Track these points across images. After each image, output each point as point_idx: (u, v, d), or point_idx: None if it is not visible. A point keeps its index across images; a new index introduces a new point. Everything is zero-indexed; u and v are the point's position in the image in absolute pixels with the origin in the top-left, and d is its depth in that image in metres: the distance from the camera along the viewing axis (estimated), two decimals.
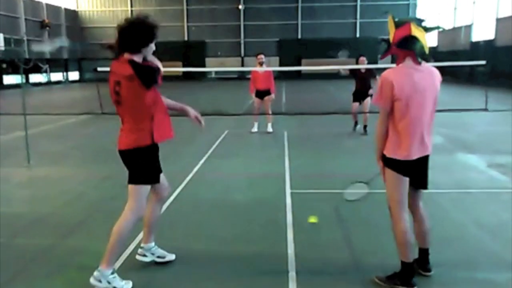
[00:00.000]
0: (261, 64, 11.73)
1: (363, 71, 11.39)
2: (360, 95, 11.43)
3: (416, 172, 3.58)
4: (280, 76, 43.13)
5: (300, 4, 47.74)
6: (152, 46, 3.64)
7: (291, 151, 9.28)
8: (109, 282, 3.54)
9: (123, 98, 3.52)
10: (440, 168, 7.59)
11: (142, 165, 3.65)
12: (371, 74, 11.46)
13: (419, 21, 3.46)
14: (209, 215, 5.44)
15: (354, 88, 11.64)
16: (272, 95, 11.73)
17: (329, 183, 6.90)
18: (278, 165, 8.02)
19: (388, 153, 3.54)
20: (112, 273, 3.58)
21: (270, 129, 11.64)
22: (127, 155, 3.65)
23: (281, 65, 44.06)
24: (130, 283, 3.65)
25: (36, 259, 4.28)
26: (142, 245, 4.15)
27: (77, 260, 4.23)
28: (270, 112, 11.84)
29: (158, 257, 4.10)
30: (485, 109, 9.66)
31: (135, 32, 3.49)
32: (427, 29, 3.46)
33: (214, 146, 9.80)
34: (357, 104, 11.52)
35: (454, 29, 38.48)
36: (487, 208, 5.58)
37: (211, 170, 7.72)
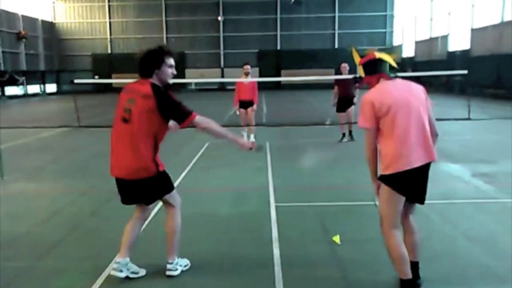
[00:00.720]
0: (246, 74, 11.61)
1: (345, 78, 11.48)
2: (345, 103, 11.43)
3: (415, 184, 3.49)
4: (259, 87, 43.08)
5: (279, 16, 48.02)
6: (166, 70, 3.91)
7: (274, 162, 9.16)
8: (180, 265, 4.13)
9: (135, 115, 3.68)
10: None
11: (160, 184, 3.91)
12: (353, 81, 11.43)
13: (380, 50, 3.75)
14: (190, 231, 5.20)
15: (336, 98, 11.66)
16: (254, 106, 11.70)
17: (313, 195, 6.80)
18: (261, 177, 7.88)
19: (387, 171, 3.45)
20: (177, 257, 4.11)
21: (252, 140, 11.51)
22: (150, 181, 3.81)
23: (260, 75, 44.07)
24: (187, 260, 4.24)
25: (11, 283, 4.03)
26: (118, 260, 3.98)
27: (54, 283, 4.01)
28: (254, 123, 11.77)
29: (132, 272, 4.03)
30: (468, 118, 9.70)
31: (146, 57, 3.88)
32: (389, 54, 3.66)
33: (195, 159, 9.62)
34: (343, 114, 11.49)
35: (430, 39, 39.11)
36: (475, 219, 5.52)
37: (192, 184, 7.53)
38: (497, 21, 28.82)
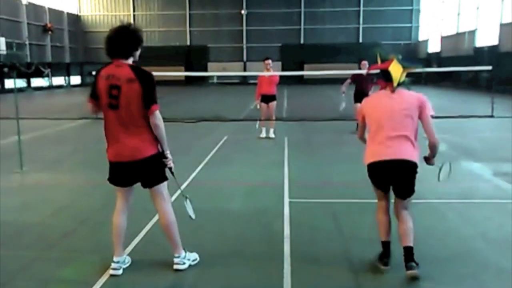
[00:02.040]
0: (268, 69, 11.62)
1: (364, 74, 11.48)
2: (361, 95, 11.23)
3: (384, 176, 4.02)
4: (282, 81, 42.88)
5: (303, 9, 47.63)
6: (139, 51, 3.87)
7: (291, 157, 9.05)
8: (188, 259, 4.09)
9: (123, 100, 3.63)
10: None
11: (161, 165, 3.89)
12: (371, 77, 11.44)
13: (405, 60, 4.09)
14: (202, 227, 5.15)
15: (345, 87, 12.25)
16: (275, 103, 11.71)
17: (328, 191, 6.69)
18: (277, 172, 7.79)
19: (365, 163, 4.11)
20: (185, 251, 4.09)
21: (272, 135, 11.54)
22: (144, 163, 3.78)
23: (283, 70, 43.78)
24: (196, 255, 4.21)
25: (17, 273, 4.04)
26: (116, 259, 3.95)
27: (60, 274, 4.00)
28: (274, 118, 11.74)
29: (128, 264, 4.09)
30: (491, 116, 9.41)
31: (126, 37, 3.75)
32: (405, 66, 4.04)
33: (212, 153, 9.57)
34: (358, 104, 11.26)
35: (457, 34, 38.28)
36: (493, 220, 5.32)
37: (207, 178, 7.48)
38: None
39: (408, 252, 3.87)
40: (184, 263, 4.05)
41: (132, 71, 3.68)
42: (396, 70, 4.00)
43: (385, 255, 4.03)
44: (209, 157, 9.19)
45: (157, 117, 3.73)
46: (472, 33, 35.55)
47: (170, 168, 3.95)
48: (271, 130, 11.60)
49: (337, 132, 12.04)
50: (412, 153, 3.92)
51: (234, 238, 4.85)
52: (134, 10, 49.36)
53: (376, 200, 4.23)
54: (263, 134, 11.55)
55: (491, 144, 10.26)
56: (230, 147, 10.37)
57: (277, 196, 6.30)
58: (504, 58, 28.16)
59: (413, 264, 3.81)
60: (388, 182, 4.06)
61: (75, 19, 48.84)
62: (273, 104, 11.59)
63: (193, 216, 4.26)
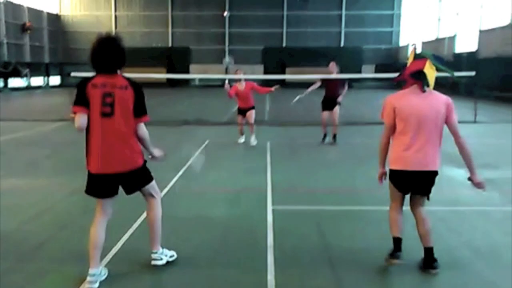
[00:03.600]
0: (241, 82, 10.79)
1: (333, 77, 11.24)
2: (330, 103, 11.08)
3: (409, 183, 4.06)
4: (264, 84, 42.91)
5: (285, 12, 47.74)
6: None
7: (274, 162, 8.95)
8: (165, 255, 4.18)
9: (117, 108, 3.64)
10: None
11: (147, 170, 4.01)
12: (341, 81, 11.22)
13: (438, 60, 4.04)
14: (183, 235, 5.02)
15: (312, 88, 11.57)
16: (253, 115, 10.93)
17: (311, 198, 6.62)
18: (260, 178, 7.68)
19: (390, 166, 4.08)
20: (162, 248, 4.17)
21: (253, 142, 10.87)
22: (134, 173, 3.85)
23: (265, 72, 43.87)
24: (173, 252, 4.30)
25: None
26: (92, 271, 3.77)
27: (36, 286, 3.83)
28: (253, 126, 11.01)
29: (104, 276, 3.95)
30: (474, 122, 9.46)
31: (116, 52, 3.76)
32: (439, 69, 3.98)
33: (193, 158, 9.42)
34: (326, 113, 11.12)
35: (437, 39, 38.76)
36: (478, 228, 5.31)
37: (188, 184, 7.34)
38: (505, 23, 28.46)
39: (431, 253, 4.06)
40: (161, 259, 4.12)
41: (125, 79, 3.75)
42: (431, 73, 3.91)
43: (397, 249, 4.06)
44: (190, 161, 9.04)
45: (143, 127, 3.87)
46: (452, 38, 36.04)
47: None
48: (252, 137, 10.91)
49: (320, 136, 11.98)
50: (437, 161, 3.98)
51: (217, 247, 4.72)
52: (115, 11, 48.86)
53: (369, 208, 4.29)
54: (242, 140, 11.11)
55: (473, 150, 10.28)
56: (212, 151, 10.22)
57: (260, 203, 6.19)
58: (483, 64, 28.56)
59: (437, 263, 4.03)
60: (410, 188, 4.11)
61: (55, 19, 48.11)
62: (251, 112, 10.88)
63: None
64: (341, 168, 8.61)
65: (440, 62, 4.05)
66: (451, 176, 7.95)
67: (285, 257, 4.43)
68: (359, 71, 42.80)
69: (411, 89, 3.98)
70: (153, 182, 4.06)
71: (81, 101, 3.65)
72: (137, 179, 3.91)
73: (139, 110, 3.77)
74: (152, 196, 4.08)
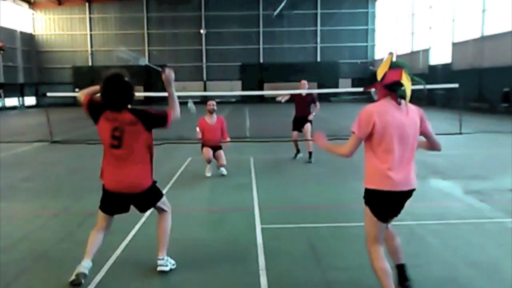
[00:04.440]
0: (211, 112, 9.23)
1: (303, 95, 10.97)
2: (300, 122, 10.82)
3: (395, 207, 3.62)
4: (242, 100, 43.17)
5: (261, 29, 48.02)
6: None
7: (259, 179, 8.78)
8: (170, 263, 4.44)
9: (126, 141, 4.00)
10: (416, 196, 7.14)
11: (156, 189, 4.40)
12: (312, 98, 10.92)
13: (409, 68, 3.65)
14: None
15: (283, 98, 11.26)
16: (222, 151, 9.23)
17: (301, 215, 6.44)
18: (246, 196, 7.50)
19: (370, 185, 3.56)
20: (167, 255, 4.44)
21: (224, 172, 9.27)
22: (142, 195, 4.21)
23: (243, 89, 44.10)
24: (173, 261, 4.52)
25: None
26: (85, 263, 4.12)
27: None
28: (224, 161, 9.18)
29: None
30: (460, 133, 9.48)
31: (124, 91, 4.06)
32: (413, 80, 3.57)
33: (176, 176, 9.19)
34: (296, 133, 10.93)
35: (412, 52, 39.35)
36: (473, 242, 5.20)
37: (172, 205, 7.02)
38: (477, 35, 29.07)
39: (404, 270, 3.81)
40: (167, 265, 4.38)
41: (132, 114, 4.04)
42: (408, 84, 3.51)
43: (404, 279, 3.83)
44: (173, 180, 8.82)
45: (175, 112, 4.37)
46: (426, 51, 36.66)
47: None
48: (222, 168, 9.28)
49: (302, 150, 11.87)
50: (415, 177, 3.62)
51: (206, 272, 4.49)
52: (90, 30, 48.43)
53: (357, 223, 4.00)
54: (209, 173, 9.20)
55: (457, 162, 10.32)
56: (195, 169, 9.97)
57: (249, 223, 5.99)
58: (457, 76, 29.04)
59: (411, 282, 3.80)
60: (393, 213, 3.66)
61: (29, 38, 47.39)
62: (221, 152, 9.20)
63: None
64: (327, 183, 8.48)
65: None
66: (438, 188, 7.92)
67: (279, 280, 4.24)
68: (336, 85, 43.21)
69: (387, 101, 3.55)
70: (164, 198, 4.43)
71: (93, 104, 4.16)
72: (147, 200, 4.29)
73: (161, 122, 4.20)
74: (164, 210, 4.44)
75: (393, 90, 3.53)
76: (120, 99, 4.02)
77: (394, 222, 4.03)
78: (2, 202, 7.42)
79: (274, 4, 44.75)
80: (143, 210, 4.46)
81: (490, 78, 26.94)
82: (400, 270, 3.81)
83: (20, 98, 43.78)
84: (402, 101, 3.55)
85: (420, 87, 4.25)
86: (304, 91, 11.08)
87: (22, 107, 43.07)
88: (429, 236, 5.38)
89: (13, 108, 41.37)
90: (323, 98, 29.12)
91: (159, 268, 4.34)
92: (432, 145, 3.79)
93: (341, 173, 9.25)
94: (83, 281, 4.00)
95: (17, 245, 5.37)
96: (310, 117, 10.81)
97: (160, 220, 4.46)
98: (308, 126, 10.75)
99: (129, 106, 4.12)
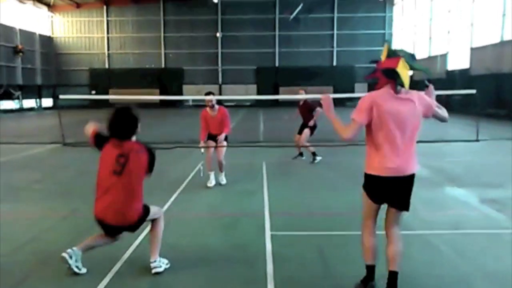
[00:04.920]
0: (211, 107, 8.85)
1: (301, 103, 11.40)
2: (301, 127, 11.34)
3: (390, 192, 3.76)
4: (257, 104, 43.14)
5: (277, 33, 47.93)
6: None
7: (270, 184, 8.68)
8: (163, 263, 4.55)
9: (128, 169, 4.17)
10: (431, 204, 7.10)
11: (145, 213, 4.44)
12: (309, 106, 11.08)
13: (411, 57, 3.77)
14: (174, 267, 4.64)
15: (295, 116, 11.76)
16: (224, 142, 8.82)
17: (311, 222, 6.33)
18: (257, 201, 7.40)
19: (367, 170, 3.83)
20: (159, 256, 4.55)
21: (224, 181, 8.94)
22: (134, 223, 4.39)
23: (258, 92, 44.13)
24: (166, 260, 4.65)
25: None
26: (74, 248, 4.41)
27: None
28: (224, 162, 8.89)
29: (76, 267, 4.38)
30: (477, 140, 9.29)
31: (128, 122, 4.29)
32: (413, 68, 3.69)
33: (187, 180, 9.13)
34: (298, 136, 11.44)
35: (429, 58, 38.93)
36: (489, 252, 5.02)
37: (182, 209, 7.03)
38: (496, 40, 28.62)
39: (394, 278, 3.77)
40: (161, 266, 4.48)
41: (139, 144, 4.33)
42: (405, 72, 3.63)
43: (369, 279, 3.93)
44: (184, 184, 8.76)
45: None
46: (444, 56, 36.21)
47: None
48: (222, 175, 8.99)
49: (306, 153, 11.73)
50: (415, 164, 3.77)
51: (213, 279, 4.41)
52: (108, 32, 48.86)
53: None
54: (212, 183, 8.76)
55: (473, 169, 10.10)
56: (206, 173, 9.90)
57: (258, 229, 5.90)
58: (475, 82, 28.62)
59: None
60: (387, 197, 3.80)
61: (47, 41, 47.98)
62: (222, 149, 8.88)
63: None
64: (340, 189, 8.33)
65: (414, 59, 3.81)
66: (453, 196, 7.74)
67: (286, 287, 4.14)
68: (352, 90, 42.92)
69: (386, 90, 3.68)
70: (152, 211, 4.48)
71: (100, 138, 4.41)
72: (135, 227, 4.44)
73: (152, 166, 4.40)
74: (154, 219, 4.56)
75: (392, 78, 3.63)
76: (127, 129, 4.27)
77: (408, 231, 3.93)
78: (13, 203, 7.45)
79: (290, 7, 44.73)
80: (133, 231, 4.54)
81: (508, 83, 26.46)
82: (391, 276, 3.78)
83: (38, 100, 44.29)
84: (402, 89, 3.65)
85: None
86: (300, 97, 11.53)
87: (40, 108, 43.57)
88: (443, 245, 5.22)
89: (31, 109, 41.88)
90: (339, 102, 28.81)
91: (153, 270, 4.43)
92: (440, 120, 3.97)
93: (355, 178, 9.04)
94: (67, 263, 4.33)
95: (25, 247, 5.35)
96: (310, 123, 11.03)
97: (152, 226, 4.59)
98: (306, 131, 11.13)
99: (133, 138, 4.35)
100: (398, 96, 3.64)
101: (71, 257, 4.32)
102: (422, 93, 3.84)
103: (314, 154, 11.15)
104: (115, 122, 4.27)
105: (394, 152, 3.65)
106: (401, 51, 3.76)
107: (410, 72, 3.68)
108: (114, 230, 4.41)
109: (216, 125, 8.86)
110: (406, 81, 3.62)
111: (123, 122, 4.26)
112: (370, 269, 3.92)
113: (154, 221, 4.55)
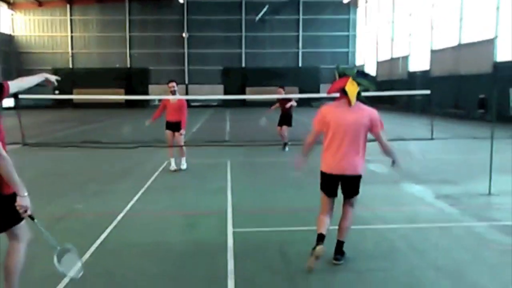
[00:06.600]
0: (173, 93, 10.15)
1: (281, 100, 13.41)
2: (284, 118, 13.24)
3: (336, 187, 4.63)
4: (224, 104, 43.15)
5: (244, 34, 48.06)
6: None
7: (234, 182, 8.79)
8: None
9: None
10: (388, 200, 7.37)
11: (14, 208, 3.33)
12: (287, 100, 13.29)
13: (360, 74, 4.59)
14: (136, 266, 4.70)
15: (280, 114, 13.49)
16: (182, 131, 10.16)
17: (274, 219, 6.48)
18: (221, 199, 7.50)
19: (321, 167, 4.69)
20: None
21: (184, 165, 10.11)
22: (7, 199, 3.34)
23: (225, 93, 44.08)
24: None
25: None
26: None
27: None
28: (183, 145, 10.23)
29: None
30: (431, 138, 9.64)
31: None
32: (360, 84, 4.46)
33: (151, 179, 9.13)
34: (280, 127, 13.33)
35: (392, 59, 39.82)
36: (441, 245, 5.25)
37: (145, 208, 7.05)
38: (455, 43, 29.56)
39: (340, 246, 4.62)
40: None
41: None
42: (352, 89, 4.38)
43: (320, 241, 4.44)
44: (148, 183, 8.76)
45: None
46: (406, 58, 37.12)
47: (30, 216, 3.34)
48: (183, 160, 10.13)
49: (281, 155, 11.94)
50: (360, 167, 4.52)
51: (174, 276, 4.48)
52: (71, 32, 47.90)
53: None
54: (173, 167, 10.00)
55: (430, 166, 10.47)
56: (171, 172, 9.95)
57: (221, 226, 6.00)
58: (435, 83, 29.47)
59: (340, 256, 4.57)
60: (335, 190, 4.63)
61: (7, 39, 46.66)
62: (179, 133, 10.15)
63: (71, 274, 3.51)
64: (304, 187, 8.50)
65: (363, 77, 4.56)
66: (411, 192, 8.02)
67: (246, 284, 4.25)
68: (318, 90, 43.44)
69: (340, 102, 4.52)
70: (21, 224, 3.47)
71: None
72: (3, 210, 3.40)
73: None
74: (17, 239, 3.48)
75: (345, 93, 4.43)
76: None
77: (364, 226, 4.14)
78: None
79: (256, 9, 44.96)
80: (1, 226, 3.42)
81: (467, 85, 27.39)
82: (338, 244, 4.62)
83: None
84: (358, 103, 4.47)
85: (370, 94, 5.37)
86: (279, 96, 13.70)
87: (0, 108, 42.32)
88: (398, 239, 5.45)
89: None
90: (304, 103, 29.25)
91: None
92: (381, 147, 4.60)
93: (315, 177, 9.29)
94: None
95: None
96: (287, 106, 13.18)
97: (10, 252, 3.47)
98: (284, 128, 13.22)
99: None
100: (350, 108, 4.43)
101: None
102: (375, 112, 4.52)
103: (285, 144, 12.95)
104: None
105: (338, 154, 4.46)
106: (350, 70, 4.57)
107: (359, 88, 4.44)
108: None
109: (173, 110, 10.08)
110: (353, 98, 4.39)
111: None
112: (320, 236, 4.46)
113: (13, 247, 3.48)
